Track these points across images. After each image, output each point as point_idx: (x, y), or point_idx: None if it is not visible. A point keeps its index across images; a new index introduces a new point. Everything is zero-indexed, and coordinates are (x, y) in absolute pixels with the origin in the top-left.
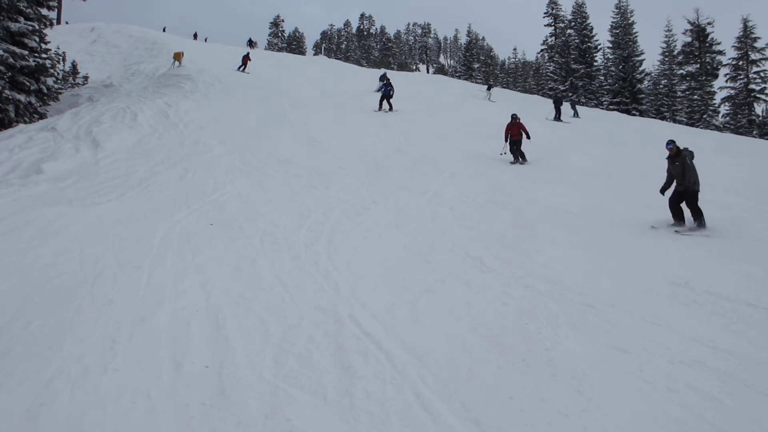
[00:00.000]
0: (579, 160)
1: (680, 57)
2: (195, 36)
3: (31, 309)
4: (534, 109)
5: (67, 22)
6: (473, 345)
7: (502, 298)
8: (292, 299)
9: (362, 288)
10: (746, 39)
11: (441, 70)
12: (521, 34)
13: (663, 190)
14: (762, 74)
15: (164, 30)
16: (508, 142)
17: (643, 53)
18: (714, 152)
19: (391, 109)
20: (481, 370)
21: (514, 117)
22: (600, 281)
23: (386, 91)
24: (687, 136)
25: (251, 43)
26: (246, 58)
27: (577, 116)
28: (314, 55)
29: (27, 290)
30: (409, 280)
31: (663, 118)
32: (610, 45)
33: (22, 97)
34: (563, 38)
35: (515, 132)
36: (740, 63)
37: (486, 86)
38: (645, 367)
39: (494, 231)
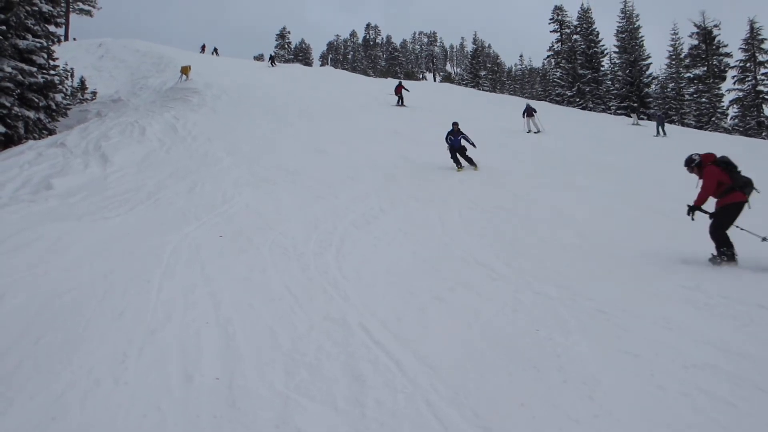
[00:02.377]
0: (583, 167)
1: (687, 60)
2: (203, 49)
3: (41, 324)
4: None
5: (74, 38)
6: (484, 352)
7: (512, 305)
8: (301, 309)
9: (372, 296)
10: (753, 40)
11: (448, 78)
12: (527, 40)
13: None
14: None
15: (215, 51)
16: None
17: (649, 57)
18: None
19: (473, 164)
20: (491, 377)
21: (704, 161)
22: (610, 286)
23: (456, 142)
24: (696, 138)
25: (273, 60)
26: (400, 89)
27: (663, 134)
28: (321, 65)
29: (37, 305)
30: (418, 288)
31: (671, 122)
32: (617, 49)
33: (31, 114)
34: (569, 44)
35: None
36: (748, 65)
37: (631, 113)
38: (657, 371)
39: (503, 237)
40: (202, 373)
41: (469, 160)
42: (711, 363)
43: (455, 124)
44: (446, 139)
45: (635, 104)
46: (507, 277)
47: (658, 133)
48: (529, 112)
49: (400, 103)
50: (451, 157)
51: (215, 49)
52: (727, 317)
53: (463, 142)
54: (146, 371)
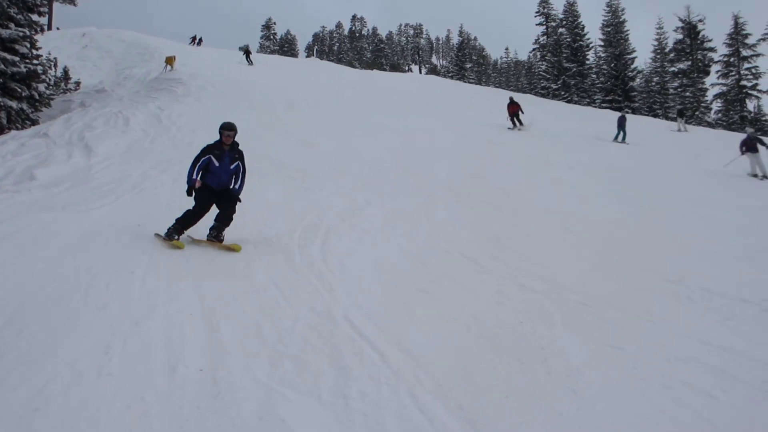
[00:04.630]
0: (572, 161)
1: (672, 54)
2: (194, 40)
3: (24, 315)
4: None
5: (58, 28)
6: (468, 345)
7: (497, 298)
8: (286, 301)
9: (357, 289)
10: (737, 35)
11: (433, 71)
12: (513, 33)
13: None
14: (753, 70)
15: (197, 41)
16: None
17: (634, 51)
18: (706, 149)
19: (216, 234)
20: (476, 370)
21: None
22: (595, 280)
23: (219, 176)
24: (679, 134)
25: (248, 53)
26: (514, 107)
27: (623, 139)
28: (307, 57)
29: (20, 296)
30: (403, 281)
31: (655, 116)
32: (602, 43)
33: (13, 104)
34: (555, 37)
35: None
36: (731, 59)
37: (678, 116)
38: (640, 364)
39: (489, 231)
40: (186, 364)
41: (219, 227)
42: (693, 356)
43: (227, 129)
44: (194, 165)
45: (620, 97)
46: (492, 271)
47: (616, 137)
48: (752, 146)
49: (515, 125)
50: (190, 211)
51: (195, 38)
52: (710, 311)
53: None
54: (130, 363)
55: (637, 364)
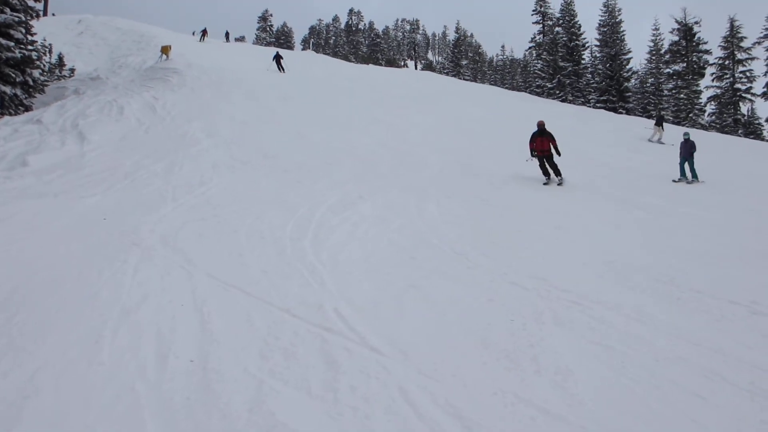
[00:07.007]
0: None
1: (667, 56)
2: (227, 37)
3: (15, 302)
4: None
5: (53, 14)
6: (458, 341)
7: (487, 295)
8: (277, 293)
9: (348, 283)
10: (733, 38)
11: (429, 67)
12: (509, 31)
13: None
14: (748, 74)
15: (195, 33)
16: None
17: (630, 51)
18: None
19: None
20: (465, 366)
21: None
22: (586, 278)
23: None
24: (672, 134)
25: (279, 59)
26: (545, 141)
27: (692, 177)
28: (303, 50)
29: (11, 284)
30: (394, 276)
31: (649, 117)
32: (598, 43)
33: (7, 89)
34: (551, 36)
35: None
36: (726, 62)
37: (655, 120)
38: (629, 363)
39: (481, 227)
40: (176, 355)
41: None
42: (682, 356)
43: None
44: None
45: (615, 98)
46: (483, 267)
47: (682, 175)
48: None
49: (549, 174)
50: None
51: (227, 34)
52: (700, 311)
53: None
54: (121, 352)
55: (626, 363)
